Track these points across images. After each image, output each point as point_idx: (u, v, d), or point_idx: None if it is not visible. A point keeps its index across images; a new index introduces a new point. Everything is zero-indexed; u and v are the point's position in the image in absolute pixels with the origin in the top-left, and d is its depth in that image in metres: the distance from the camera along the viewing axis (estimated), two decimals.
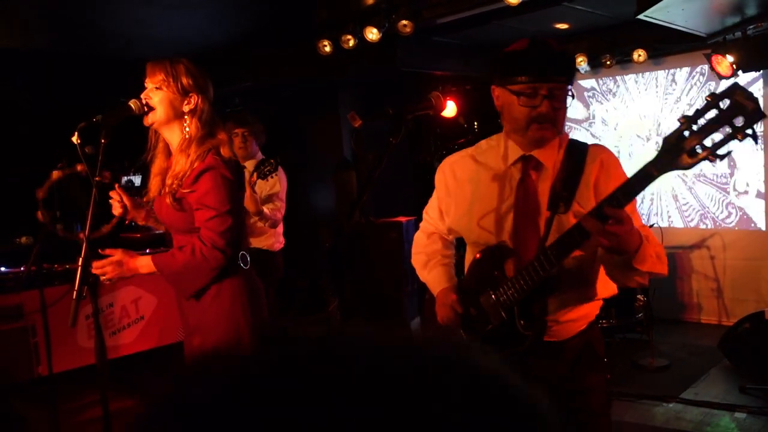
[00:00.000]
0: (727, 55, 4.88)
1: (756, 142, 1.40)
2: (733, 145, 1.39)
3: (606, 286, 1.90)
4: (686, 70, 5.91)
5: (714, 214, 5.89)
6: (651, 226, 5.15)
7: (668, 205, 6.12)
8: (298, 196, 7.46)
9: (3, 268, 4.94)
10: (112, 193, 2.49)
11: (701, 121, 1.39)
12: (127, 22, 4.76)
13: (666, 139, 1.46)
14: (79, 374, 4.73)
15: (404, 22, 4.84)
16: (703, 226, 5.93)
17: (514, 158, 1.87)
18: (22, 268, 4.83)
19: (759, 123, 1.37)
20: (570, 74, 1.81)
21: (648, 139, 6.16)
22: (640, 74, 6.17)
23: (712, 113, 1.38)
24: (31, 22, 4.75)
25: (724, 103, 1.37)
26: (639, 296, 4.85)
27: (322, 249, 6.11)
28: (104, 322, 4.32)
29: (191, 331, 2.44)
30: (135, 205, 2.50)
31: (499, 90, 1.82)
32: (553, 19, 5.39)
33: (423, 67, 5.80)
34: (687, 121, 1.41)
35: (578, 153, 1.82)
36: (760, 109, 1.35)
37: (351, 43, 5.11)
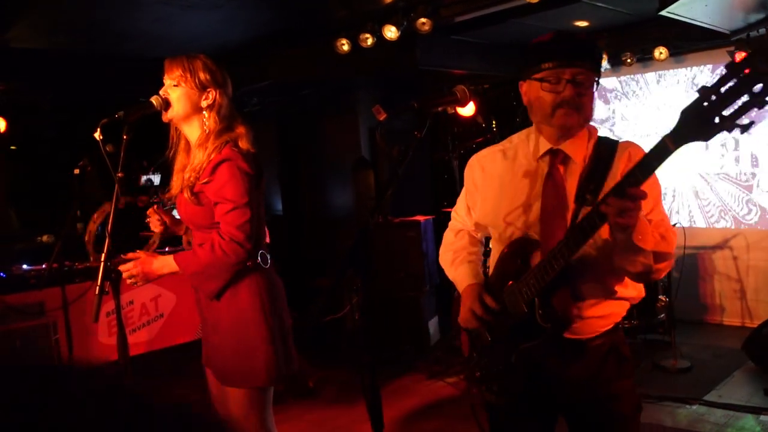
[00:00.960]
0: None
1: None
2: (756, 128, 1.34)
3: (632, 287, 1.86)
4: (709, 67, 5.83)
5: (737, 213, 5.80)
6: (673, 226, 5.09)
7: (690, 205, 6.04)
8: (316, 195, 7.49)
9: (25, 266, 4.99)
10: (149, 212, 2.52)
11: (721, 91, 1.33)
12: (146, 21, 4.78)
13: (684, 111, 1.41)
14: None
15: (423, 20, 4.82)
16: (726, 226, 5.85)
17: (542, 152, 1.86)
18: (44, 266, 4.88)
19: None
20: (594, 61, 1.79)
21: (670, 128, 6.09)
22: (662, 72, 6.10)
23: (731, 82, 1.32)
24: (51, 23, 4.80)
25: (743, 72, 1.31)
26: (661, 297, 4.80)
27: (340, 247, 6.12)
28: (124, 320, 4.34)
29: (210, 329, 2.44)
30: (174, 222, 2.54)
31: (525, 84, 1.83)
32: (573, 16, 5.33)
33: (441, 66, 5.77)
34: (705, 91, 1.36)
35: (607, 147, 1.80)
36: None
37: (369, 41, 5.10)
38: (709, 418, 3.84)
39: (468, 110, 5.19)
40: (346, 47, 5.27)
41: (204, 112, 2.33)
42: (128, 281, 2.36)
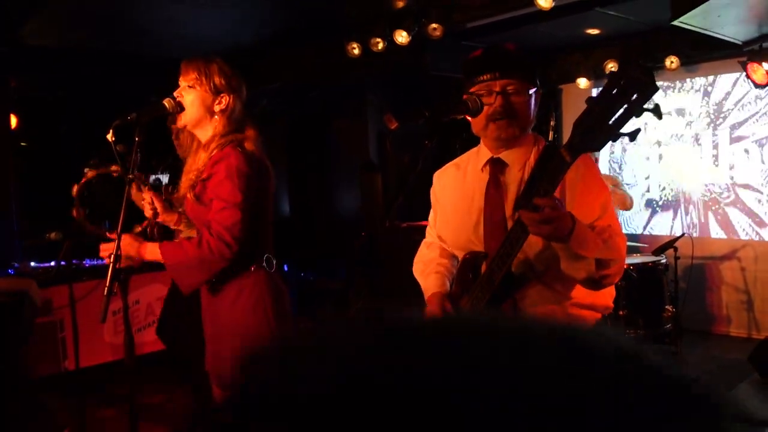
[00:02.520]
0: (763, 63, 4.79)
1: (659, 118, 1.37)
2: (646, 121, 1.35)
3: (594, 294, 1.82)
4: (721, 77, 5.81)
5: (745, 224, 5.77)
6: (681, 236, 5.07)
7: (698, 215, 6.02)
8: (323, 197, 7.50)
9: (33, 263, 5.01)
10: (143, 195, 2.49)
11: (604, 101, 1.35)
12: (158, 20, 4.81)
13: (575, 123, 1.43)
14: (104, 369, 4.79)
15: (434, 25, 4.83)
16: (734, 237, 5.82)
17: (483, 161, 1.89)
18: (52, 263, 4.90)
19: (651, 96, 1.33)
20: (525, 71, 1.81)
21: (680, 137, 6.07)
22: (673, 82, 6.08)
23: (613, 92, 1.34)
24: (65, 20, 4.83)
25: (624, 81, 1.33)
26: (668, 307, 4.77)
27: (347, 250, 6.12)
28: (131, 319, 4.36)
29: (212, 333, 2.43)
30: (166, 208, 2.49)
31: (466, 96, 1.86)
32: (585, 24, 5.33)
33: (452, 71, 5.76)
34: (591, 102, 1.38)
35: (553, 154, 1.79)
36: (651, 82, 1.32)
37: (380, 45, 5.11)
38: None
39: None
40: (357, 51, 5.27)
41: (216, 116, 2.34)
42: (107, 260, 2.24)
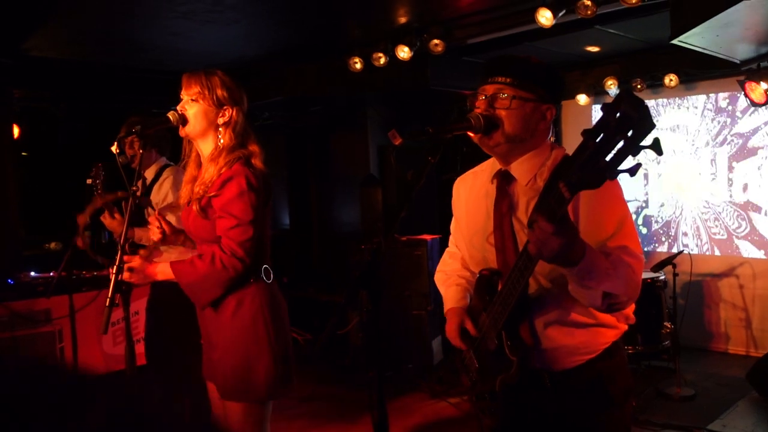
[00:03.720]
0: (761, 82, 4.83)
1: (658, 153, 1.23)
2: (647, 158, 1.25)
3: (613, 314, 1.77)
4: (721, 95, 5.86)
5: (743, 241, 5.79)
6: (680, 252, 5.09)
7: (697, 232, 6.04)
8: (324, 210, 7.52)
9: (33, 273, 5.01)
10: (151, 219, 2.50)
11: (601, 135, 1.23)
12: (164, 34, 4.85)
13: (572, 156, 1.30)
14: (102, 380, 4.77)
15: (436, 41, 4.88)
16: (734, 255, 5.84)
17: (492, 174, 1.85)
18: (51, 274, 4.90)
19: (648, 134, 1.21)
20: (519, 76, 1.73)
21: (679, 154, 6.10)
22: (672, 99, 6.13)
23: (609, 126, 1.22)
24: (70, 33, 4.86)
25: (619, 114, 1.21)
26: (666, 323, 4.78)
27: (347, 263, 6.12)
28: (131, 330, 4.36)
29: (211, 344, 2.45)
30: (174, 231, 2.52)
31: (469, 114, 1.81)
32: (585, 41, 5.38)
33: (453, 86, 5.82)
34: (588, 136, 1.25)
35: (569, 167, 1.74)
36: (646, 118, 1.20)
37: (382, 60, 5.15)
38: None
39: None
40: (358, 65, 5.32)
41: (220, 128, 2.36)
42: (127, 274, 2.31)
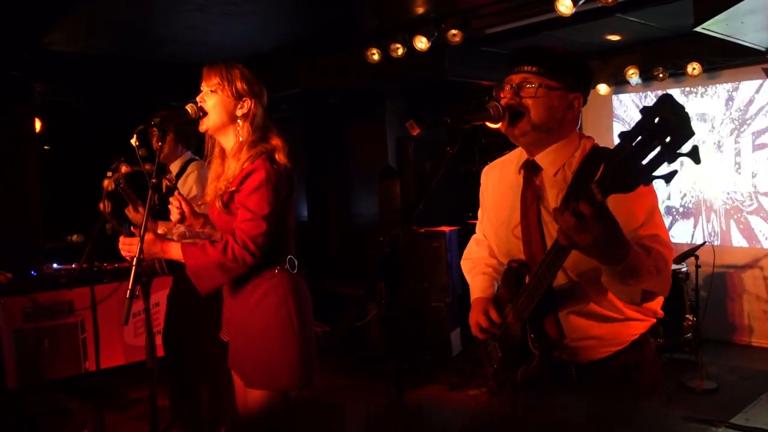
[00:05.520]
0: None
1: (696, 162, 1.19)
2: (681, 164, 1.18)
3: (643, 307, 1.74)
4: (745, 84, 5.75)
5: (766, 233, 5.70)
6: (703, 244, 5.02)
7: (720, 224, 5.95)
8: (342, 202, 7.52)
9: (55, 265, 5.08)
10: (171, 199, 2.51)
11: (638, 139, 1.20)
12: (182, 27, 4.86)
13: (607, 159, 1.27)
14: (124, 371, 4.84)
15: (453, 31, 4.84)
16: (757, 246, 5.75)
17: (519, 164, 1.84)
18: (73, 266, 4.96)
19: (686, 142, 1.17)
20: (546, 64, 1.71)
21: (702, 144, 6.00)
22: (695, 87, 6.03)
23: (647, 130, 1.19)
24: (89, 27, 4.90)
25: (658, 119, 1.18)
26: (688, 316, 4.72)
27: (365, 255, 6.13)
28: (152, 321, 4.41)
29: (235, 333, 2.47)
30: (193, 213, 2.53)
31: (488, 104, 1.80)
32: (605, 30, 5.31)
33: (470, 77, 5.78)
34: (625, 138, 1.22)
35: (599, 159, 1.65)
36: (686, 125, 1.16)
37: (400, 51, 5.13)
38: None
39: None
40: (376, 57, 5.30)
41: (239, 120, 2.36)
42: (127, 255, 2.28)
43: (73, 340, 4.71)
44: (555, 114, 1.73)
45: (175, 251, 2.34)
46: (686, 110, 1.17)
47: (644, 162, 1.20)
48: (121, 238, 2.32)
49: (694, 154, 1.18)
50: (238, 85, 2.34)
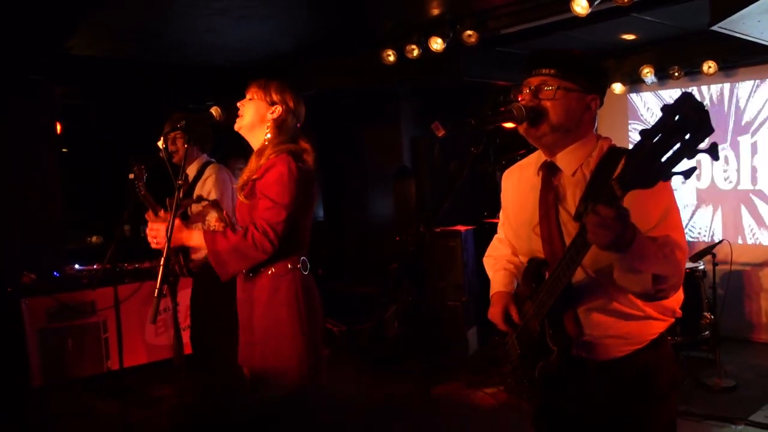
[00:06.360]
0: None
1: (714, 158, 1.23)
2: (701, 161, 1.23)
3: (662, 306, 1.77)
4: (758, 83, 5.73)
5: None
6: (719, 242, 5.01)
7: (738, 221, 5.93)
8: (357, 202, 7.57)
9: (77, 266, 5.16)
10: (148, 230, 2.53)
11: (659, 135, 1.23)
12: (199, 31, 4.92)
13: (628, 155, 1.31)
14: (146, 369, 4.90)
15: (469, 32, 4.86)
16: None
17: (538, 165, 1.87)
18: (95, 266, 5.04)
19: (706, 138, 1.21)
20: (563, 67, 1.75)
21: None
22: (709, 86, 6.01)
23: (667, 127, 1.23)
24: (109, 32, 4.97)
25: (678, 116, 1.22)
26: (705, 314, 4.72)
27: (380, 255, 6.16)
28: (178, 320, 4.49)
29: (247, 331, 2.53)
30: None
31: (512, 105, 1.82)
32: (620, 29, 5.31)
33: (486, 77, 5.80)
34: (645, 135, 1.25)
35: (617, 159, 1.67)
36: (705, 122, 1.20)
37: (415, 53, 5.15)
38: None
39: None
40: (392, 58, 5.33)
41: (268, 123, 2.48)
42: (153, 243, 2.43)
43: (96, 339, 4.79)
44: (573, 115, 1.77)
45: (197, 238, 2.42)
46: (705, 108, 1.21)
47: (664, 159, 1.24)
48: (150, 223, 2.40)
49: (713, 151, 1.22)
50: (273, 93, 2.49)
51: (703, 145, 1.22)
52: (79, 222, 6.28)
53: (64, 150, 6.67)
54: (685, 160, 1.23)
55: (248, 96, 2.51)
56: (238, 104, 2.50)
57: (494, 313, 1.97)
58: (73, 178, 6.50)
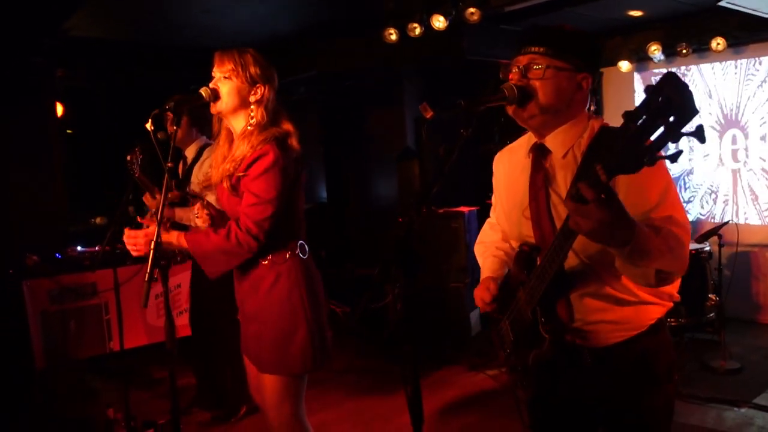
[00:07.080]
0: None
1: (701, 141, 1.16)
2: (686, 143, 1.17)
3: (658, 291, 1.73)
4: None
5: None
6: (726, 223, 4.94)
7: (744, 201, 5.85)
8: (360, 184, 7.53)
9: (79, 248, 5.17)
10: (197, 209, 2.53)
11: (643, 118, 1.17)
12: (197, 12, 4.86)
13: (612, 141, 1.24)
14: (147, 351, 4.93)
15: (472, 9, 4.77)
16: None
17: (528, 148, 1.82)
18: (96, 248, 5.04)
19: (690, 120, 1.14)
20: (553, 45, 1.67)
21: (721, 125, 5.90)
22: (717, 63, 5.90)
23: (651, 109, 1.16)
24: (107, 13, 4.93)
25: (662, 98, 1.14)
26: (711, 295, 4.67)
27: (383, 237, 6.14)
28: (172, 303, 4.48)
29: (248, 317, 2.50)
30: (220, 216, 2.53)
31: (503, 85, 1.76)
32: (627, 6, 5.20)
33: (489, 56, 5.70)
34: (629, 117, 1.18)
35: (608, 139, 1.59)
36: (689, 104, 1.13)
37: (417, 31, 5.08)
38: (758, 422, 3.74)
39: None
40: (394, 37, 5.26)
41: (252, 106, 2.38)
42: (133, 251, 2.35)
43: (98, 321, 4.81)
44: (563, 95, 1.70)
45: (178, 241, 2.36)
46: (689, 88, 1.15)
47: (648, 143, 1.18)
48: (126, 231, 2.35)
49: (699, 134, 1.15)
50: (252, 70, 2.35)
51: (688, 128, 1.15)
52: (84, 203, 6.30)
53: (68, 132, 6.66)
54: (670, 143, 1.17)
55: (222, 74, 2.35)
56: (211, 84, 2.36)
57: (478, 295, 1.96)
58: (77, 159, 6.50)
